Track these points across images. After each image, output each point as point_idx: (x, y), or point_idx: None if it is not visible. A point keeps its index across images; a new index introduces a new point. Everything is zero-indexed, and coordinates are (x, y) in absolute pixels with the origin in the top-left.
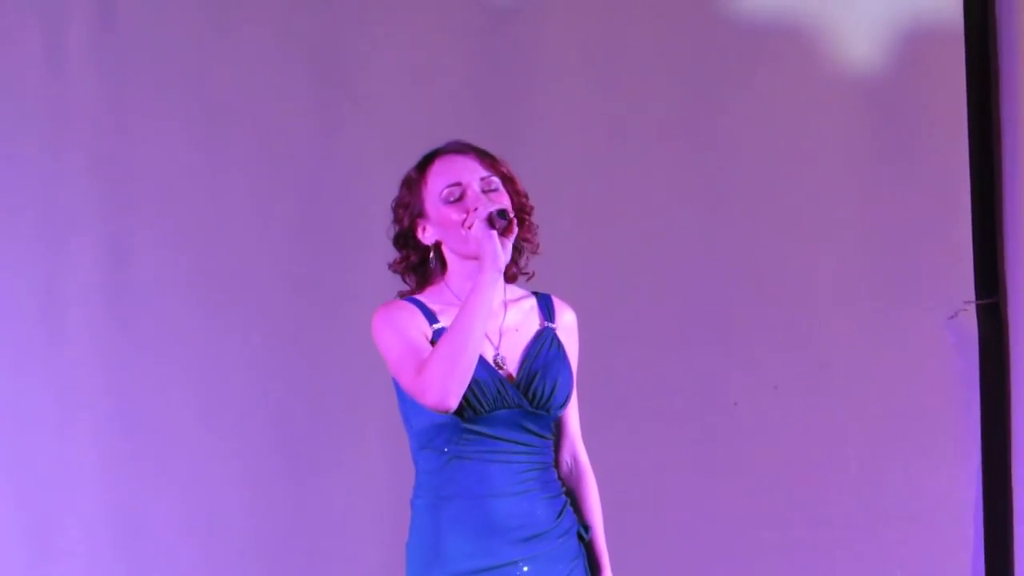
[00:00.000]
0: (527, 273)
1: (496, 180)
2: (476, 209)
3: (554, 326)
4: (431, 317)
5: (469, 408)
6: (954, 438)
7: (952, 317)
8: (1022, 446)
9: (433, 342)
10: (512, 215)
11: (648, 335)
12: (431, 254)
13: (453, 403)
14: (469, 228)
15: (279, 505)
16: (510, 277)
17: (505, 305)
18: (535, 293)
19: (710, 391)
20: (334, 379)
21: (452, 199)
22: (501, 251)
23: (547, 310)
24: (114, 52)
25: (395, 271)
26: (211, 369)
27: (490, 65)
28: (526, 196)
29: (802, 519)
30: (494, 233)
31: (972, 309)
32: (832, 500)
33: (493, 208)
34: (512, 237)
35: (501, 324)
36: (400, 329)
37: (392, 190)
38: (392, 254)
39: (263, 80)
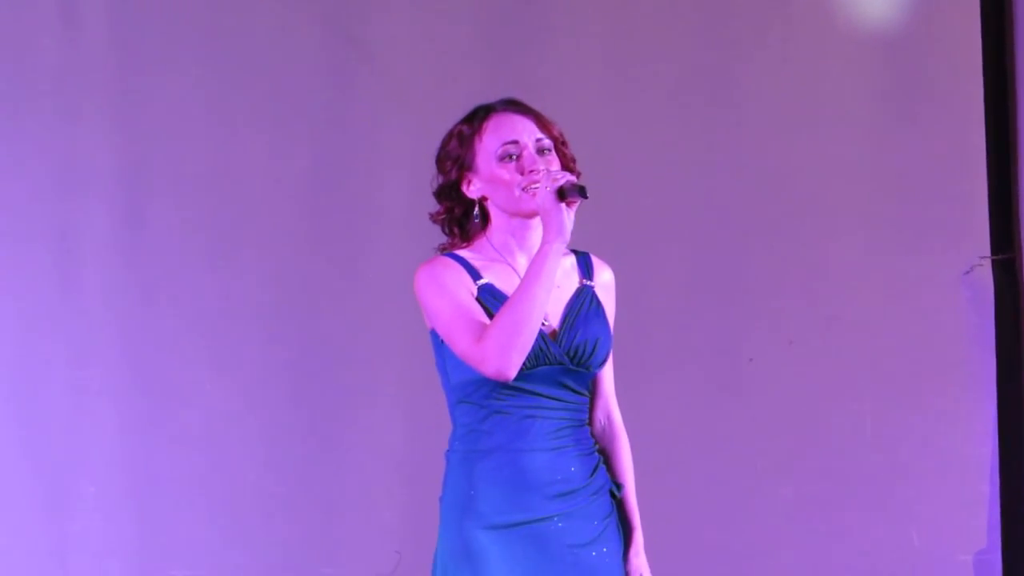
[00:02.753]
0: None
1: (549, 142)
2: (534, 171)
3: (592, 284)
4: (474, 273)
5: None
6: (969, 393)
7: (967, 272)
8: None
9: (479, 299)
10: (587, 195)
11: (662, 291)
12: (475, 208)
13: (513, 373)
14: (523, 189)
15: (295, 459)
16: None
17: None
18: (574, 251)
19: (725, 347)
20: (349, 333)
21: (507, 158)
22: (569, 223)
23: (586, 268)
24: (128, 12)
25: (436, 222)
26: (226, 325)
27: (501, 22)
28: (574, 160)
29: (817, 475)
30: (563, 205)
31: (987, 265)
32: (848, 456)
33: (565, 180)
34: (575, 207)
35: None
36: (448, 289)
37: (405, 145)
38: (420, 205)
39: (276, 38)
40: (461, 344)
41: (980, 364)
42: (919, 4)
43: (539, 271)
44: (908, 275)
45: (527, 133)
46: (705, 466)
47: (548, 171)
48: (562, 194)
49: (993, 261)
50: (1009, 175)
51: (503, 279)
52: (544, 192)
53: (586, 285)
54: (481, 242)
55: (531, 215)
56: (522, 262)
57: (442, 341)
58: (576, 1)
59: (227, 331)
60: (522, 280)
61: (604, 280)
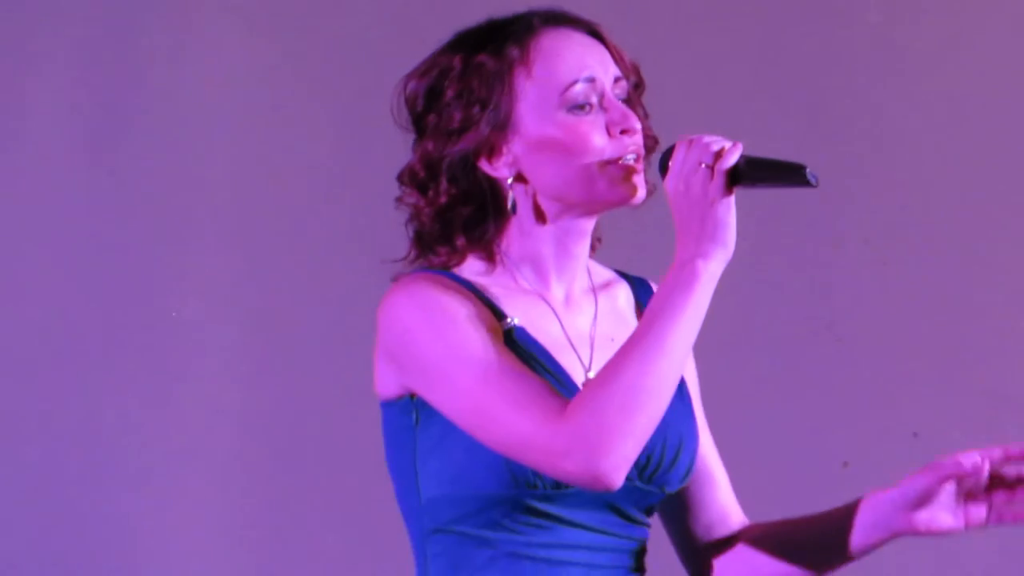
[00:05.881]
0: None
1: (627, 87)
2: (628, 132)
3: None
4: (494, 308)
5: (536, 475)
6: None
7: None
8: None
9: None
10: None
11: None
12: (508, 197)
13: (619, 478)
14: (612, 164)
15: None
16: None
17: (594, 292)
18: (622, 274)
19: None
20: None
21: (580, 104)
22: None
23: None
24: None
25: (424, 227)
26: None
27: None
28: (647, 116)
29: None
30: (732, 199)
31: None
32: None
33: (739, 154)
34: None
35: (591, 326)
36: (469, 326)
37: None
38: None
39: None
40: (521, 421)
41: None
42: None
43: (682, 305)
44: None
45: (602, 66)
46: None
47: (690, 139)
48: (736, 176)
49: None
50: None
51: (538, 323)
52: (702, 174)
53: None
54: (493, 260)
55: (607, 207)
56: (558, 295)
57: (416, 418)
58: None
59: None
60: (654, 318)
61: None
